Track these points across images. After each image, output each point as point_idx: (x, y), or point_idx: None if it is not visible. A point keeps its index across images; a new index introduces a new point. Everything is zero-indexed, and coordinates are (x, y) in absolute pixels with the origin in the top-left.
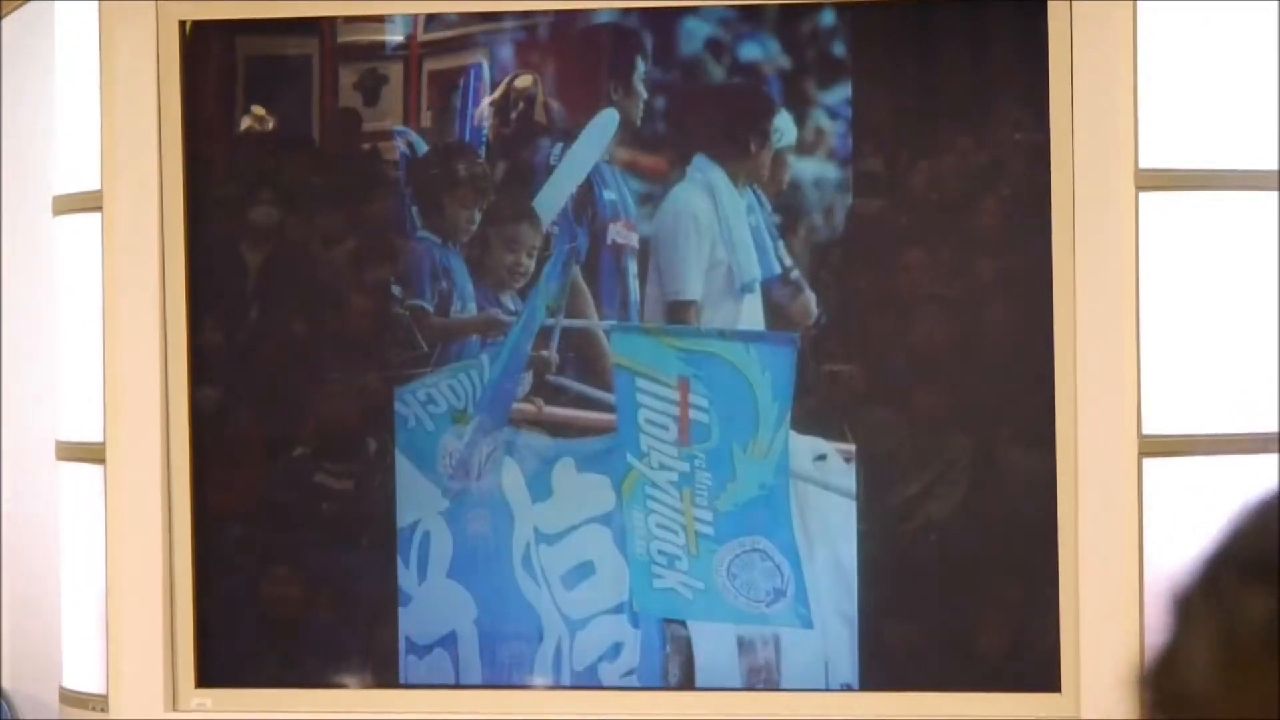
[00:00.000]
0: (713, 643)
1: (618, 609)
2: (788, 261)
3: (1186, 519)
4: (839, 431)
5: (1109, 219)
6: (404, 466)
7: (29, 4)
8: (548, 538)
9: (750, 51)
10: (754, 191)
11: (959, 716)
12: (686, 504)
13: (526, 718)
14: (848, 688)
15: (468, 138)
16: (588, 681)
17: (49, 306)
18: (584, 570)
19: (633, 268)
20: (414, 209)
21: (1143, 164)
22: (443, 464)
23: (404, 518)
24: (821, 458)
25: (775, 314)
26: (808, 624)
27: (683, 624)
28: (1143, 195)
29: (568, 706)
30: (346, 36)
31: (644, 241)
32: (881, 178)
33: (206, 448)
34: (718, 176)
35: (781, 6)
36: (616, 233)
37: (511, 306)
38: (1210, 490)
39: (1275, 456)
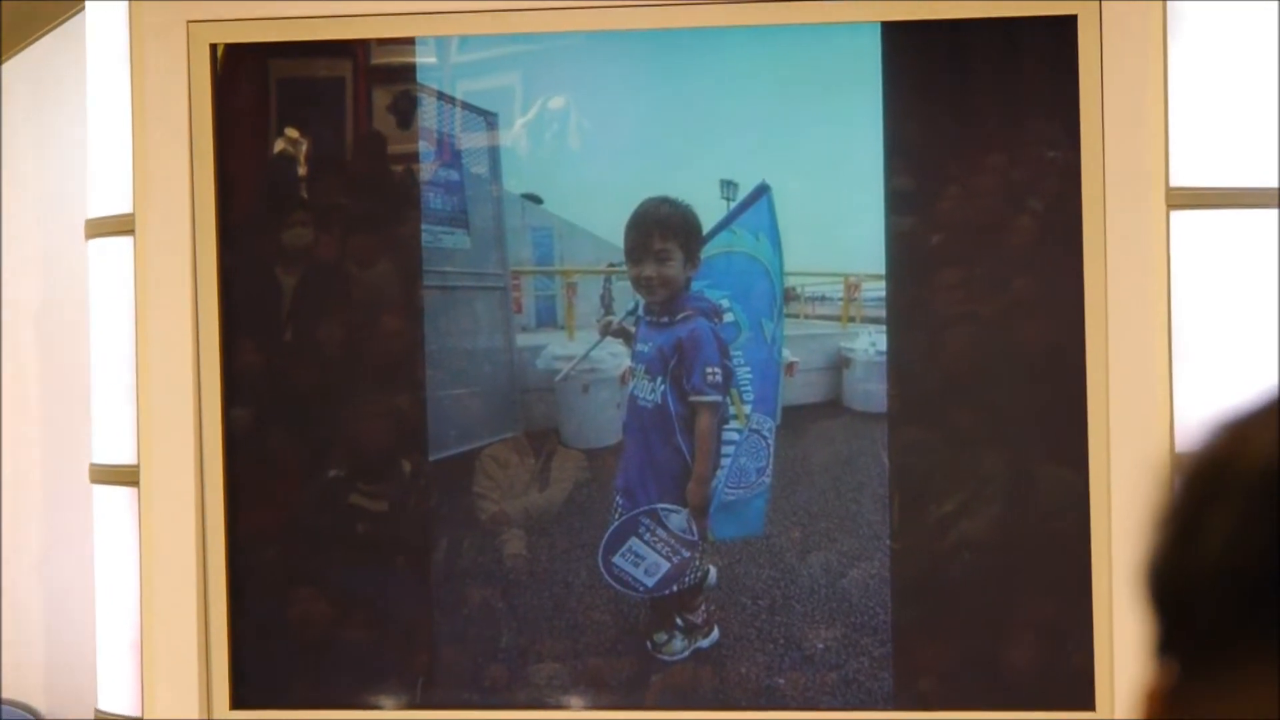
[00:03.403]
0: (746, 661)
1: None
2: None
3: None
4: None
5: (1140, 237)
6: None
7: (61, 27)
8: None
9: None
10: None
11: None
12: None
13: None
14: (881, 707)
15: (500, 159)
16: (624, 702)
17: (82, 330)
18: None
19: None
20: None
21: (1174, 182)
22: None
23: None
24: None
25: None
26: (842, 641)
27: (715, 643)
28: (1174, 213)
29: None
30: (380, 59)
31: None
32: (914, 196)
33: (240, 470)
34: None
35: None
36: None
37: None
38: None
39: None
